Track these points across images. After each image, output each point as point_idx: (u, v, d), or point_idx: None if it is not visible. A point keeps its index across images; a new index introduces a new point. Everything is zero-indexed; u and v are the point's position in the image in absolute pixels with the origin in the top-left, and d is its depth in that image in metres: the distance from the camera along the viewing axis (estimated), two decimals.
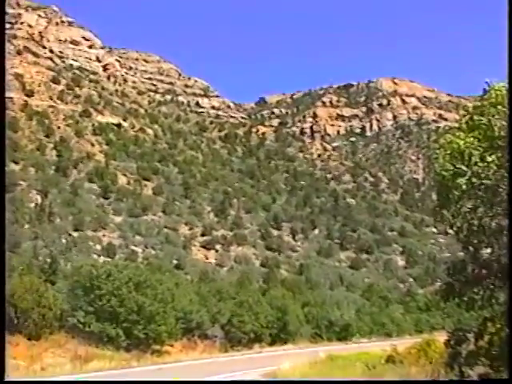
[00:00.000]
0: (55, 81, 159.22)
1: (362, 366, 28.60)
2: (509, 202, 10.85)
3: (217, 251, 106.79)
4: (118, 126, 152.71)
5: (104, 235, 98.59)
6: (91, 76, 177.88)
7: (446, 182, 13.48)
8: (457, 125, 15.19)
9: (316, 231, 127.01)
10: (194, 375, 27.82)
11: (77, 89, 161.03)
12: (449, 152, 13.58)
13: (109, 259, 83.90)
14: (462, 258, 15.63)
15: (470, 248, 14.66)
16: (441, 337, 20.86)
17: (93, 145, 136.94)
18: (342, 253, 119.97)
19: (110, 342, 36.81)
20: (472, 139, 13.46)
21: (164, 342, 41.73)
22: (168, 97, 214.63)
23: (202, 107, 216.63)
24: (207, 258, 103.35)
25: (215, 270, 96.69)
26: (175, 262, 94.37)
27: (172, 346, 43.90)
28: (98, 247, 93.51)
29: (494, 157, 12.85)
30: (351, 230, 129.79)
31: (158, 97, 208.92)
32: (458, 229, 14.25)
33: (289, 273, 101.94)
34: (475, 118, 14.00)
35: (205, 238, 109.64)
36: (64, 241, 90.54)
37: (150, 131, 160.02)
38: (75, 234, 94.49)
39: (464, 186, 12.92)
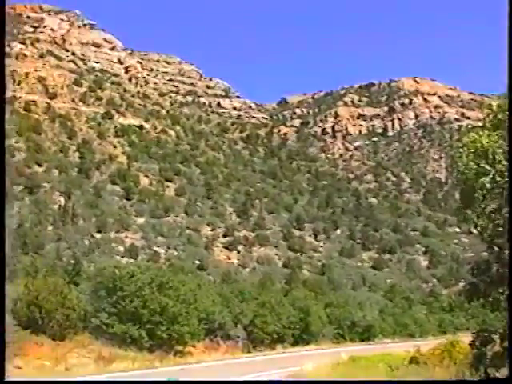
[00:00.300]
0: (77, 83, 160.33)
1: (385, 367, 28.44)
2: (509, 202, 10.69)
3: (239, 252, 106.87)
4: (140, 127, 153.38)
5: (126, 236, 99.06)
6: (113, 78, 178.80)
7: (469, 181, 13.35)
8: (480, 123, 15.03)
9: (338, 231, 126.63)
10: (216, 376, 27.82)
11: (99, 91, 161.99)
12: (472, 151, 13.44)
13: (131, 260, 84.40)
14: (487, 258, 15.48)
15: (495, 248, 14.51)
16: (465, 338, 20.68)
17: (115, 146, 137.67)
18: (365, 253, 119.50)
19: (133, 343, 36.93)
20: (496, 137, 13.31)
21: (187, 343, 41.78)
22: (189, 98, 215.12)
23: (224, 108, 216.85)
24: (229, 259, 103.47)
25: (237, 270, 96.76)
26: (197, 262, 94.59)
27: (194, 346, 43.95)
28: (121, 248, 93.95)
29: None
30: (373, 230, 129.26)
31: (179, 98, 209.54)
32: (483, 229, 14.11)
33: (311, 273, 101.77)
34: (499, 116, 13.85)
35: (227, 238, 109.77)
36: (87, 242, 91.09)
37: (171, 132, 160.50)
38: (98, 236, 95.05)
39: (488, 185, 12.78)
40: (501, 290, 14.55)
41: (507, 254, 13.69)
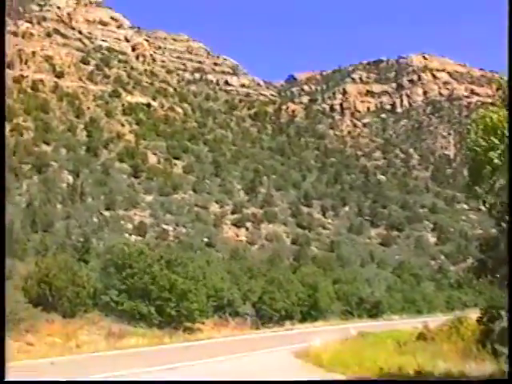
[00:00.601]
0: (84, 62, 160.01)
1: (393, 342, 28.57)
2: (509, 202, 10.67)
3: (247, 229, 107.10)
4: (148, 105, 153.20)
5: (135, 214, 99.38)
6: (120, 56, 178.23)
7: (478, 157, 13.32)
8: (490, 100, 14.97)
9: (346, 208, 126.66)
10: (225, 352, 28.03)
11: (106, 69, 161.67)
12: (482, 127, 13.40)
13: (140, 238, 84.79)
14: (495, 235, 15.47)
15: (503, 224, 14.49)
16: (473, 314, 20.82)
17: (123, 125, 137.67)
18: (373, 230, 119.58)
19: (143, 320, 37.21)
20: (506, 113, 13.25)
21: (196, 320, 42.07)
22: (197, 75, 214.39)
23: (232, 85, 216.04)
24: (238, 236, 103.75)
25: (246, 247, 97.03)
26: (206, 240, 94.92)
27: (203, 323, 44.24)
28: (130, 226, 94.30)
29: None
30: (382, 206, 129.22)
31: (187, 76, 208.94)
32: (491, 205, 14.09)
33: (319, 250, 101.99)
34: (507, 89, 13.76)
35: (235, 216, 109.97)
36: (96, 220, 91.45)
37: (179, 110, 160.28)
38: (107, 214, 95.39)
39: (497, 161, 12.74)
40: (509, 267, 14.57)
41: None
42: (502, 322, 14.61)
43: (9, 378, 6.37)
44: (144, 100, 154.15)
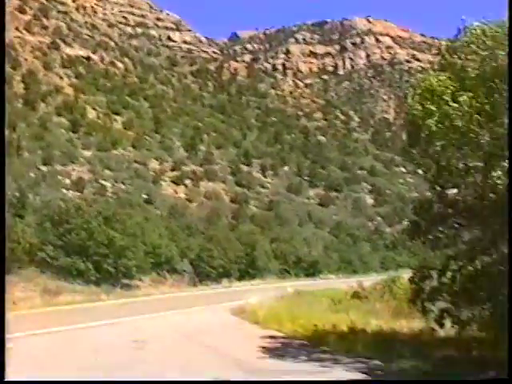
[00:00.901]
0: (22, 10, 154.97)
1: (328, 301, 29.19)
2: (509, 196, 10.92)
3: (186, 186, 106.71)
4: (88, 59, 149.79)
5: (73, 169, 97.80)
6: (59, 7, 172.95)
7: (415, 121, 13.55)
8: (430, 66, 15.17)
9: (286, 168, 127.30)
10: (162, 309, 28.16)
11: (44, 20, 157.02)
12: (420, 92, 13.61)
13: (78, 193, 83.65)
14: (429, 198, 15.82)
15: (437, 188, 14.83)
16: (406, 274, 21.37)
17: (61, 78, 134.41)
18: (312, 190, 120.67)
19: (80, 276, 36.99)
20: (444, 78, 13.47)
21: (133, 277, 42.06)
22: (139, 30, 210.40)
23: (174, 41, 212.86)
24: (177, 193, 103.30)
25: (185, 205, 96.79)
26: (145, 196, 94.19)
27: (141, 280, 44.26)
28: (68, 181, 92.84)
29: (465, 97, 12.89)
30: (321, 167, 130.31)
31: (128, 30, 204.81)
32: (426, 169, 14.39)
33: (258, 209, 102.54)
34: (448, 57, 13.98)
35: (175, 173, 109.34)
36: (33, 175, 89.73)
37: (120, 65, 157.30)
38: (44, 169, 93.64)
39: (433, 127, 12.99)
40: (441, 229, 14.99)
41: (472, 194, 14.06)
42: (433, 281, 15.06)
43: (9, 378, 6.32)
44: (84, 53, 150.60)
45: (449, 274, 14.90)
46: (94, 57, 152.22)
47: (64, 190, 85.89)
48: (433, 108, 13.03)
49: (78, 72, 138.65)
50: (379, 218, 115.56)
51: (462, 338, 14.68)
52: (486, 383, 8.06)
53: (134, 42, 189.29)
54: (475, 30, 13.22)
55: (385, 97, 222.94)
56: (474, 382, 7.84)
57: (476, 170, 13.77)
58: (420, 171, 14.96)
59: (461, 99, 12.83)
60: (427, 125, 13.00)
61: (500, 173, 11.75)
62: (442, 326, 14.86)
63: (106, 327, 20.96)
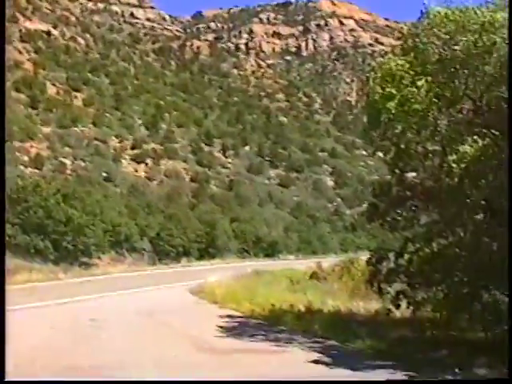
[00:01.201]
0: None
1: (286, 281, 29.40)
2: (509, 190, 11.04)
3: (147, 165, 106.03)
4: (48, 33, 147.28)
5: (32, 146, 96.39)
6: None
7: (375, 104, 13.62)
8: (392, 50, 15.24)
9: (247, 148, 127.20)
10: (120, 287, 28.07)
11: None
12: (380, 75, 13.67)
13: (37, 171, 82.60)
14: (388, 181, 15.96)
15: (397, 171, 14.97)
16: (364, 256, 21.61)
17: (20, 52, 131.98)
18: (272, 170, 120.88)
19: (38, 255, 36.62)
20: (404, 62, 13.53)
21: (92, 255, 41.80)
22: (101, 5, 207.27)
23: (137, 18, 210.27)
24: (137, 172, 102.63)
25: (145, 183, 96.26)
26: (104, 174, 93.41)
27: (100, 258, 44.01)
28: (26, 158, 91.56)
29: (423, 81, 12.98)
30: (282, 148, 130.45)
31: (90, 5, 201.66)
32: (386, 152, 14.50)
33: (218, 188, 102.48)
34: (409, 41, 14.05)
35: (135, 151, 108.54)
36: None
37: (81, 40, 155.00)
38: None
39: (393, 110, 13.07)
40: (399, 211, 15.17)
41: (431, 177, 14.21)
42: (390, 263, 15.25)
43: (9, 378, 6.24)
44: (44, 27, 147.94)
45: (406, 256, 15.10)
46: (55, 32, 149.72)
47: (22, 167, 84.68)
48: (393, 91, 13.12)
49: (37, 47, 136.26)
50: (339, 200, 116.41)
51: (416, 318, 14.92)
52: (485, 383, 8.25)
53: (96, 18, 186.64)
54: (438, 13, 13.27)
55: (347, 79, 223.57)
56: (474, 381, 8.02)
57: (434, 154, 13.93)
58: (380, 154, 15.06)
59: (419, 83, 12.92)
60: (387, 108, 13.09)
61: (455, 157, 11.89)
62: (397, 306, 15.08)
63: (64, 305, 20.83)
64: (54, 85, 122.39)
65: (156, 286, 29.97)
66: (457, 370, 10.93)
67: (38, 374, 10.08)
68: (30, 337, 14.07)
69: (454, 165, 11.85)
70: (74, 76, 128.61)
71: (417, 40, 13.70)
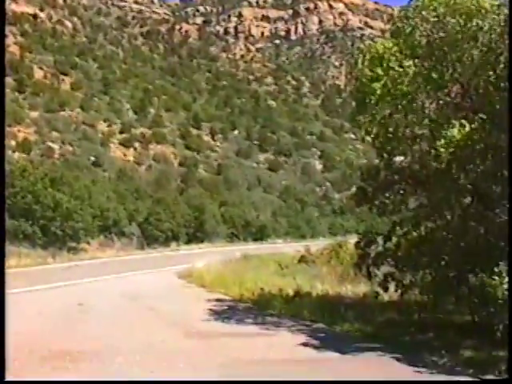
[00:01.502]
0: None
1: (275, 265, 29.45)
2: (509, 189, 11.02)
3: (135, 149, 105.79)
4: (35, 16, 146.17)
5: (19, 131, 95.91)
6: None
7: (363, 87, 13.59)
8: (381, 33, 15.17)
9: (235, 132, 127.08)
10: (108, 272, 28.06)
11: None
12: (368, 57, 13.63)
13: (24, 155, 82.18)
14: (377, 164, 15.96)
15: (385, 155, 14.96)
16: (352, 240, 21.64)
17: (6, 36, 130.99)
18: (261, 155, 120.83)
19: (26, 240, 36.52)
20: (392, 45, 13.50)
21: (80, 240, 41.73)
22: None
23: (124, 1, 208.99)
24: (125, 156, 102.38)
25: (133, 168, 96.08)
26: (93, 159, 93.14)
27: (88, 243, 43.96)
28: (13, 143, 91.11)
29: (411, 62, 12.96)
30: (271, 132, 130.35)
31: None
32: (374, 135, 14.48)
33: (207, 173, 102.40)
34: (398, 24, 14.00)
35: (123, 135, 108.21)
36: None
37: (68, 24, 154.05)
38: None
39: (379, 92, 13.05)
40: (387, 195, 15.18)
41: (418, 161, 14.21)
42: (378, 246, 15.28)
43: (9, 378, 6.23)
44: (31, 10, 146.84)
45: (394, 239, 15.14)
46: (42, 14, 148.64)
47: (9, 152, 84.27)
48: (380, 72, 13.09)
49: (24, 30, 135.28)
50: (328, 184, 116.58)
51: (404, 301, 14.99)
52: (485, 383, 8.31)
53: (84, 1, 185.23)
54: None
55: (336, 63, 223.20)
56: (474, 382, 8.07)
57: (422, 138, 13.93)
58: (368, 138, 15.03)
59: (406, 64, 12.90)
60: (374, 89, 13.06)
61: (443, 142, 11.89)
62: (386, 290, 15.14)
63: (52, 290, 20.80)
64: (41, 68, 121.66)
65: (144, 271, 29.97)
66: (443, 352, 11.03)
67: (27, 360, 10.06)
68: (18, 322, 14.03)
69: (442, 149, 11.85)
70: (62, 60, 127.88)
71: (406, 22, 13.65)
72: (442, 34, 12.94)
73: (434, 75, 13.09)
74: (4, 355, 5.84)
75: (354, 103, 15.13)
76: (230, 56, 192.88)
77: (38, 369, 9.54)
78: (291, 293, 18.67)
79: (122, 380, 7.51)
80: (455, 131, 11.85)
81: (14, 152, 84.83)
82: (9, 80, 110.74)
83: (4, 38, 6.79)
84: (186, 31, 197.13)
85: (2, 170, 6.74)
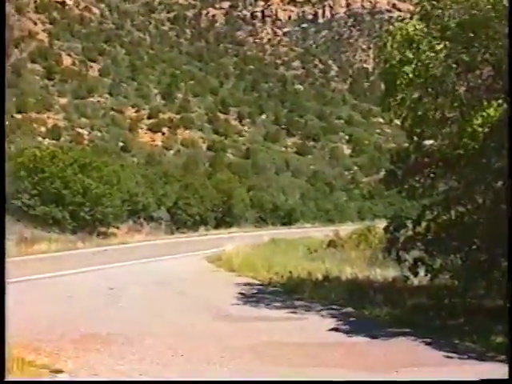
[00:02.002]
0: None
1: (304, 249, 29.41)
2: (509, 182, 10.88)
3: (163, 134, 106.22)
4: (62, 3, 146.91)
5: (49, 117, 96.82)
6: None
7: (392, 70, 13.43)
8: (410, 15, 14.97)
9: (263, 116, 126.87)
10: (138, 256, 28.23)
11: None
12: (398, 39, 13.46)
13: (54, 141, 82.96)
14: (406, 148, 15.82)
15: (414, 138, 14.82)
16: (381, 224, 21.52)
17: (35, 23, 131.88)
18: (289, 139, 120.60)
19: (56, 225, 36.88)
20: (422, 26, 13.33)
21: (110, 224, 42.08)
22: None
23: None
24: (154, 141, 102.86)
25: (161, 152, 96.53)
26: (121, 144, 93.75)
27: (118, 228, 44.29)
28: (43, 129, 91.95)
29: (442, 46, 12.79)
30: (298, 116, 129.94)
31: None
32: (404, 119, 14.33)
33: (235, 157, 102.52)
34: (427, 6, 13.81)
35: (151, 120, 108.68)
36: (7, 123, 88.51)
37: (95, 10, 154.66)
38: (19, 116, 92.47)
39: (410, 75, 12.90)
40: (417, 178, 15.04)
41: (449, 145, 14.06)
42: (408, 230, 15.17)
43: (9, 378, 6.37)
44: None
45: (423, 223, 15.01)
46: (69, 2, 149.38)
47: (40, 138, 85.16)
48: (410, 55, 12.93)
49: (52, 17, 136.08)
50: (356, 168, 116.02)
51: (434, 286, 14.89)
52: (486, 383, 8.25)
53: None
54: None
55: (364, 46, 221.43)
56: (474, 382, 8.04)
57: (452, 120, 13.76)
58: (397, 121, 14.88)
59: (438, 48, 12.73)
60: (404, 73, 12.91)
61: (480, 121, 11.72)
62: (415, 274, 15.03)
63: (82, 274, 20.99)
64: (69, 55, 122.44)
65: (173, 255, 30.10)
66: (474, 337, 10.94)
67: (59, 342, 10.16)
68: (49, 305, 14.20)
69: (479, 128, 11.69)
70: (90, 46, 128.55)
71: (435, 4, 13.47)
72: (473, 13, 12.73)
73: (465, 57, 12.91)
74: (4, 355, 5.89)
75: (382, 86, 14.97)
76: (257, 40, 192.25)
77: (70, 351, 9.64)
78: (320, 277, 18.63)
79: (122, 380, 7.61)
80: (491, 110, 11.68)
81: (43, 138, 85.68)
82: (38, 67, 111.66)
83: (4, 38, 6.73)
84: (213, 16, 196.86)
85: (3, 170, 6.76)
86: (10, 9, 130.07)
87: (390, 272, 18.12)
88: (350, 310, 14.45)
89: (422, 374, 9.17)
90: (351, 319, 13.37)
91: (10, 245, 29.97)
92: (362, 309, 14.19)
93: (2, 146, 6.93)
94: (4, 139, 7.01)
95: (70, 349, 9.79)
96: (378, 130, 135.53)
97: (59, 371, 8.40)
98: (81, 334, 11.09)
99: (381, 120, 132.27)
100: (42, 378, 7.09)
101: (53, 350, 9.59)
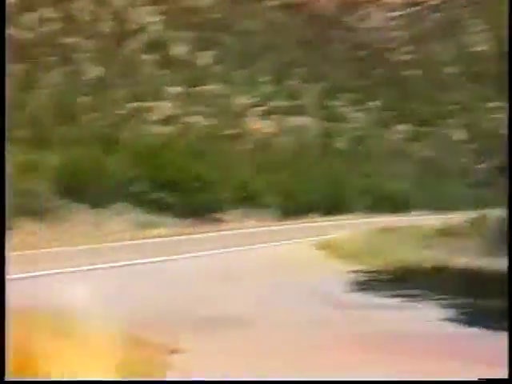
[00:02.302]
0: None
1: (414, 237, 28.94)
2: (509, 184, 10.44)
3: (274, 121, 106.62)
4: None
5: (162, 105, 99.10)
6: None
7: None
8: None
9: (374, 102, 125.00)
10: (248, 243, 28.62)
11: None
12: None
13: (167, 129, 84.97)
14: None
15: None
16: (496, 212, 20.84)
17: (148, 15, 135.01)
18: (400, 125, 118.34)
19: (169, 210, 37.86)
20: None
21: (221, 210, 42.76)
22: None
23: None
24: (264, 128, 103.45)
25: (272, 139, 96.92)
26: (232, 131, 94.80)
27: (229, 214, 44.94)
28: (156, 118, 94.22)
29: None
30: (410, 101, 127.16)
31: None
32: None
33: (345, 144, 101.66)
34: None
35: (262, 107, 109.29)
36: (123, 112, 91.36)
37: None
38: (134, 105, 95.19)
39: None
40: None
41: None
42: None
43: (9, 378, 6.72)
44: None
45: None
46: None
47: (154, 126, 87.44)
48: None
49: (164, 8, 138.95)
50: (470, 155, 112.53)
51: None
52: (486, 383, 7.94)
53: None
54: None
55: (479, 28, 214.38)
56: (474, 381, 7.75)
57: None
58: None
59: None
60: None
61: None
62: None
63: (196, 259, 21.51)
64: (181, 45, 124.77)
65: (282, 242, 30.33)
66: None
67: (178, 327, 10.41)
68: (168, 290, 14.68)
69: None
70: (201, 35, 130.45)
71: None
72: None
73: None
74: (4, 355, 6.08)
75: (498, 70, 14.51)
76: (367, 26, 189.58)
77: (191, 334, 9.84)
78: (432, 266, 18.32)
79: (122, 380, 7.81)
80: None
81: (157, 126, 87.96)
82: (150, 57, 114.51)
83: (4, 36, 6.95)
84: (323, 1, 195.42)
85: (3, 168, 6.97)
86: (122, 2, 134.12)
87: (502, 262, 17.59)
88: (463, 300, 14.12)
89: None
90: (466, 310, 13.07)
91: (126, 229, 31.21)
92: (476, 299, 13.86)
93: (2, 146, 7.09)
94: (4, 139, 7.17)
95: (190, 332, 10.06)
96: (493, 116, 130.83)
97: (175, 351, 8.66)
98: (199, 317, 11.43)
99: (498, 104, 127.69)
100: (42, 378, 7.28)
101: (170, 331, 9.88)
